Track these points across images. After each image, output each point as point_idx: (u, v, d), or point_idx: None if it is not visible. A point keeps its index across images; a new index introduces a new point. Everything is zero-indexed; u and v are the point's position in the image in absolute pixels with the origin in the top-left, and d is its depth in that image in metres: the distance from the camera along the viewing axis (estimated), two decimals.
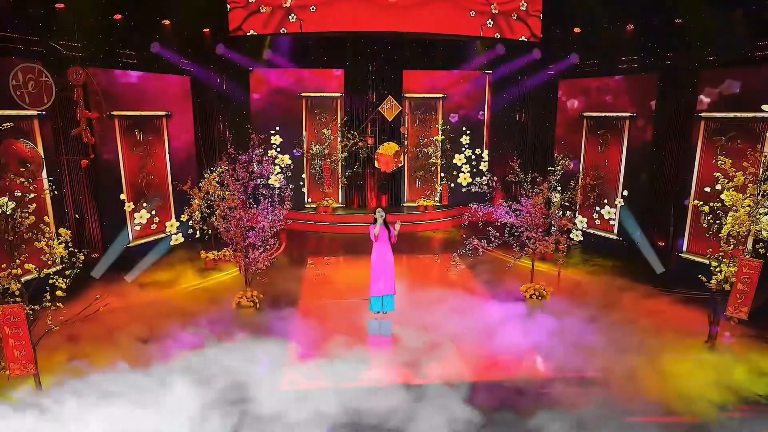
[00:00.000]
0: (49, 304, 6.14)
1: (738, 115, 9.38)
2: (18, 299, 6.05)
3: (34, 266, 6.08)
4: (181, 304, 9.03)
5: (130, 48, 10.95)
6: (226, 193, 9.14)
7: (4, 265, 5.97)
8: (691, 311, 8.48)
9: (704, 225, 7.84)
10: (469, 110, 15.63)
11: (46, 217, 6.53)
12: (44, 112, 9.08)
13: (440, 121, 15.49)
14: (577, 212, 12.66)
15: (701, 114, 10.03)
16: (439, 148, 15.44)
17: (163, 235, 12.08)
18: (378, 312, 8.40)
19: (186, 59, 12.32)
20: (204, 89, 13.06)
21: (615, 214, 12.16)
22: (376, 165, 15.14)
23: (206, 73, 13.07)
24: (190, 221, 11.11)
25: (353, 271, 10.62)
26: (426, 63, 14.87)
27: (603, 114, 12.22)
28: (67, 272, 6.29)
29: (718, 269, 7.24)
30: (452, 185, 15.86)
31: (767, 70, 8.94)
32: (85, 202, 10.22)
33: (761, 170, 6.85)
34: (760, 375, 6.69)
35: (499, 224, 9.30)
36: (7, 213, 5.94)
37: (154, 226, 11.87)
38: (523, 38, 12.97)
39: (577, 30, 12.38)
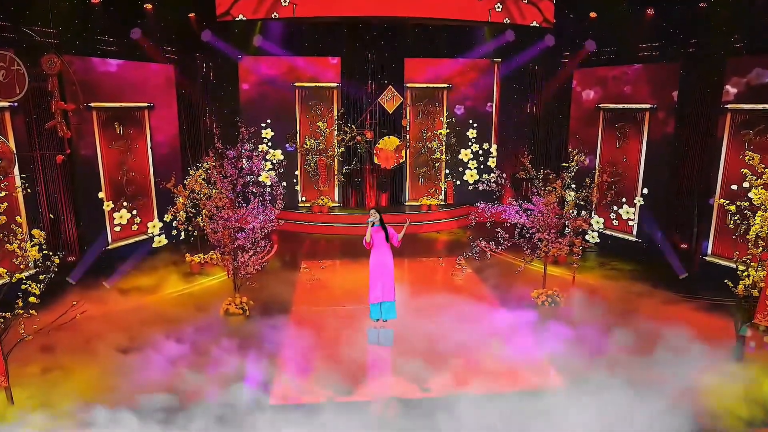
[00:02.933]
0: (21, 311, 6.13)
1: (767, 106, 9.39)
2: None
3: (5, 270, 6.08)
4: (164, 311, 9.02)
5: (109, 34, 10.96)
6: (213, 191, 9.14)
7: None
8: (717, 319, 8.46)
9: (730, 226, 7.82)
10: (476, 102, 15.64)
11: (18, 218, 6.55)
12: (16, 104, 9.08)
13: (445, 114, 15.50)
14: (593, 212, 12.66)
15: (727, 105, 10.03)
16: (444, 143, 15.45)
17: (145, 236, 12.08)
18: (377, 320, 8.40)
19: (170, 47, 12.33)
20: (189, 79, 13.07)
21: (634, 213, 12.16)
22: (376, 161, 15.15)
23: (192, 61, 13.07)
24: (175, 222, 11.12)
25: (351, 276, 10.63)
26: (429, 51, 14.88)
27: (621, 105, 12.21)
28: (41, 277, 6.29)
29: (745, 273, 7.21)
30: (458, 182, 15.88)
31: None
32: (61, 201, 10.22)
33: None
34: None
35: (508, 225, 9.30)
36: None
37: (135, 227, 11.87)
38: (534, 24, 12.98)
39: (593, 15, 12.37)
